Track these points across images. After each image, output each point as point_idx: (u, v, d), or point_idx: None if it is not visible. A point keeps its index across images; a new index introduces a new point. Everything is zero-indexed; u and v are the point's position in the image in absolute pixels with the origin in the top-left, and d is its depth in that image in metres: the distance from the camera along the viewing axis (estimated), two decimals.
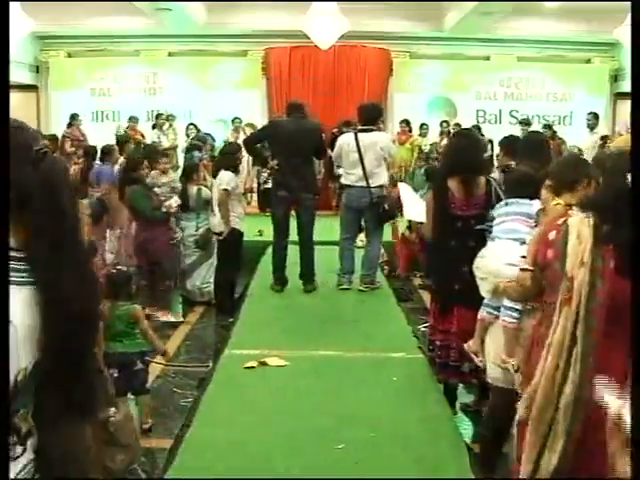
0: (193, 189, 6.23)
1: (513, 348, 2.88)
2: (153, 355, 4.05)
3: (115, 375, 3.63)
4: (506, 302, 2.89)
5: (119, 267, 4.03)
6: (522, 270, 2.50)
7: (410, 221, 6.67)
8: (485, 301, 3.08)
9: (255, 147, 6.26)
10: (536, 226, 2.89)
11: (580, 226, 2.11)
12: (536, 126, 11.43)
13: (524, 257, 2.71)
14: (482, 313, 3.12)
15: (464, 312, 3.54)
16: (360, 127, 5.89)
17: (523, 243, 2.88)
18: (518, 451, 2.31)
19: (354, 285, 5.90)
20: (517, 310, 2.86)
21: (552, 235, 2.26)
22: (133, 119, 11.25)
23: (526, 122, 11.15)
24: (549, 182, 2.68)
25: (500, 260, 2.91)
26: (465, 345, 3.28)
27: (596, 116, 10.29)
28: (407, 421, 3.40)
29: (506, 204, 3.15)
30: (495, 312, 3.02)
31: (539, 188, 2.86)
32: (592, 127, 10.13)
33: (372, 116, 5.91)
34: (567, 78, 13.01)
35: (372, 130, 5.81)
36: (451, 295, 3.73)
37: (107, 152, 6.90)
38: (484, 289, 3.01)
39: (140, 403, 3.75)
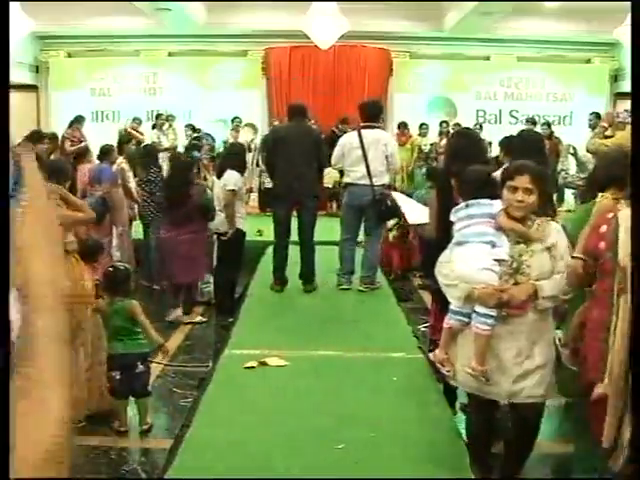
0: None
1: (484, 356, 2.81)
2: (153, 355, 4.05)
3: (117, 378, 3.63)
4: (479, 308, 2.77)
5: (119, 264, 4.02)
6: (573, 258, 2.67)
7: (399, 221, 6.67)
8: (452, 308, 2.92)
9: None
10: (500, 229, 2.79)
11: (628, 219, 2.29)
12: (537, 126, 11.43)
13: (497, 260, 2.72)
14: (449, 321, 2.96)
15: None
16: (362, 124, 5.83)
17: (494, 246, 2.76)
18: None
19: (354, 285, 5.89)
20: (491, 317, 2.75)
21: (603, 229, 2.51)
22: (136, 120, 11.23)
23: (532, 121, 11.16)
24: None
25: (472, 265, 2.77)
26: (430, 355, 3.14)
27: (598, 116, 10.24)
28: (407, 421, 3.40)
29: (466, 206, 2.92)
30: (465, 319, 2.87)
31: (497, 188, 2.85)
32: (594, 127, 10.10)
33: (374, 113, 5.89)
34: (567, 78, 13.01)
35: (375, 127, 5.78)
36: None
37: (106, 152, 6.90)
38: (453, 295, 2.89)
39: (140, 405, 3.75)
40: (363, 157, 5.61)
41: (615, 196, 2.86)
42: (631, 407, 1.86)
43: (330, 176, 9.10)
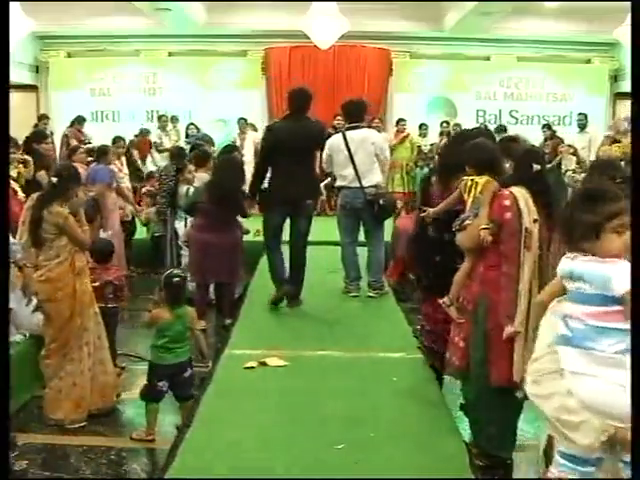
0: (183, 189, 6.23)
1: None
2: None
3: (164, 389, 3.63)
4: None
5: (177, 271, 3.95)
6: (484, 229, 2.97)
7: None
8: (563, 451, 1.96)
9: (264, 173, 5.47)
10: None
11: (521, 195, 2.93)
12: (536, 126, 11.49)
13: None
14: (556, 469, 2.02)
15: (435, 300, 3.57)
16: (347, 125, 5.72)
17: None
18: None
19: (362, 292, 5.79)
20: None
21: (507, 202, 2.94)
22: (78, 122, 10.84)
23: (504, 129, 10.71)
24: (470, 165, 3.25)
25: (616, 390, 1.76)
26: None
27: (585, 117, 10.55)
28: (407, 421, 3.41)
29: (572, 278, 1.92)
30: (580, 467, 1.95)
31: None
32: (583, 127, 10.35)
33: (357, 112, 5.73)
34: (567, 78, 13.02)
35: (360, 127, 5.68)
36: (430, 284, 3.87)
37: (102, 152, 6.78)
38: (581, 441, 1.87)
39: (182, 408, 3.75)
40: (350, 159, 5.51)
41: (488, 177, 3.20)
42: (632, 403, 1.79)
43: None
